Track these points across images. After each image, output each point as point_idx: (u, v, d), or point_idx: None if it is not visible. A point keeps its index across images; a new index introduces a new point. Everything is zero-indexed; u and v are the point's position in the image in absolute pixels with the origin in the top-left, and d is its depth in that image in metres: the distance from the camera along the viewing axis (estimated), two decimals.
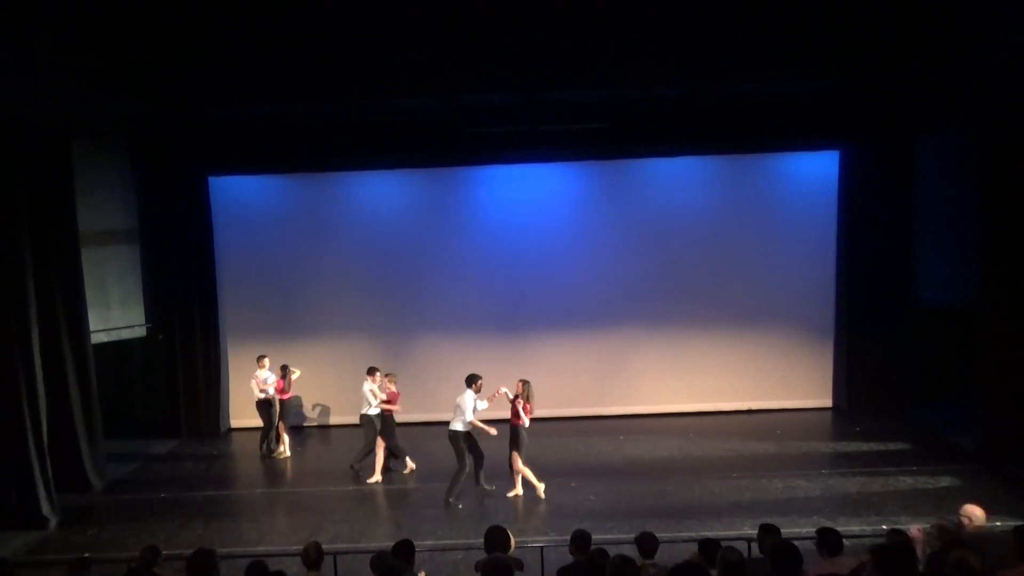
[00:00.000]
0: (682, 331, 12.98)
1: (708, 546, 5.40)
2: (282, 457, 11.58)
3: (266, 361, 11.59)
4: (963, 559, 4.58)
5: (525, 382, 9.52)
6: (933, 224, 12.04)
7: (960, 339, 11.89)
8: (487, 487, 9.72)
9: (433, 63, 9.30)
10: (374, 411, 10.48)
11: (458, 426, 9.50)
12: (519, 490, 9.59)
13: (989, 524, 5.98)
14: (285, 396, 11.66)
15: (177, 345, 12.55)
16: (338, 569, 6.92)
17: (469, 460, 9.55)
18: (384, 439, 10.44)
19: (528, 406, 9.41)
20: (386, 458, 10.50)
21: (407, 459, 10.61)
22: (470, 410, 9.46)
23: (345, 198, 12.98)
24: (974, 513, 5.73)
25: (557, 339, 12.92)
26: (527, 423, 9.41)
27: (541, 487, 9.52)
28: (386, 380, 10.55)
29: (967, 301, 10.85)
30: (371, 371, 10.64)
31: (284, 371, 11.62)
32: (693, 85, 10.27)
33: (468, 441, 9.59)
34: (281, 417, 11.63)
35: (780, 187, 12.85)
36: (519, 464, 9.49)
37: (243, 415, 12.94)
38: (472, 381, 9.58)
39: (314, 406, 13.18)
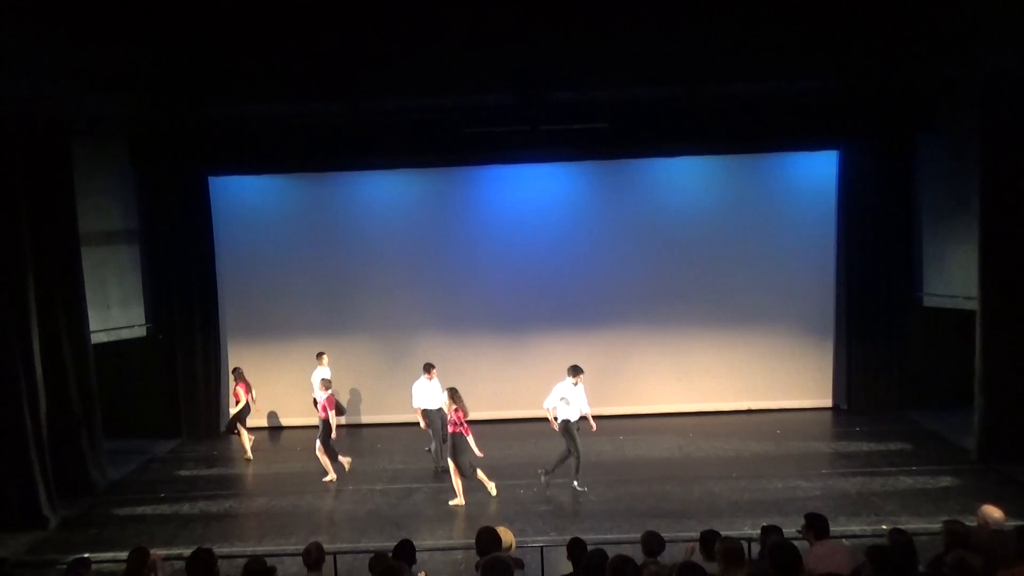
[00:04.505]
0: (682, 331, 12.97)
1: (708, 536, 5.45)
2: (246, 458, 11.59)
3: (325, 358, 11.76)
4: (963, 559, 4.58)
5: (452, 390, 9.42)
6: (932, 223, 12.04)
7: (960, 339, 11.88)
8: (579, 487, 9.74)
9: (433, 63, 9.30)
10: (431, 406, 10.59)
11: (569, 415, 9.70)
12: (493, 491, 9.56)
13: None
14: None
15: (177, 345, 12.56)
16: (338, 569, 6.93)
17: (579, 446, 9.66)
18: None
19: (460, 412, 9.25)
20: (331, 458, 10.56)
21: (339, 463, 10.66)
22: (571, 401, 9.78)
23: (345, 198, 12.98)
24: (992, 515, 5.55)
25: (557, 339, 12.89)
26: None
27: (460, 498, 9.40)
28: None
29: (967, 301, 10.84)
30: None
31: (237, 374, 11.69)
32: (693, 85, 10.28)
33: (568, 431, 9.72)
34: (239, 419, 11.59)
35: (779, 187, 12.86)
36: (456, 472, 9.41)
37: None
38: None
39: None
